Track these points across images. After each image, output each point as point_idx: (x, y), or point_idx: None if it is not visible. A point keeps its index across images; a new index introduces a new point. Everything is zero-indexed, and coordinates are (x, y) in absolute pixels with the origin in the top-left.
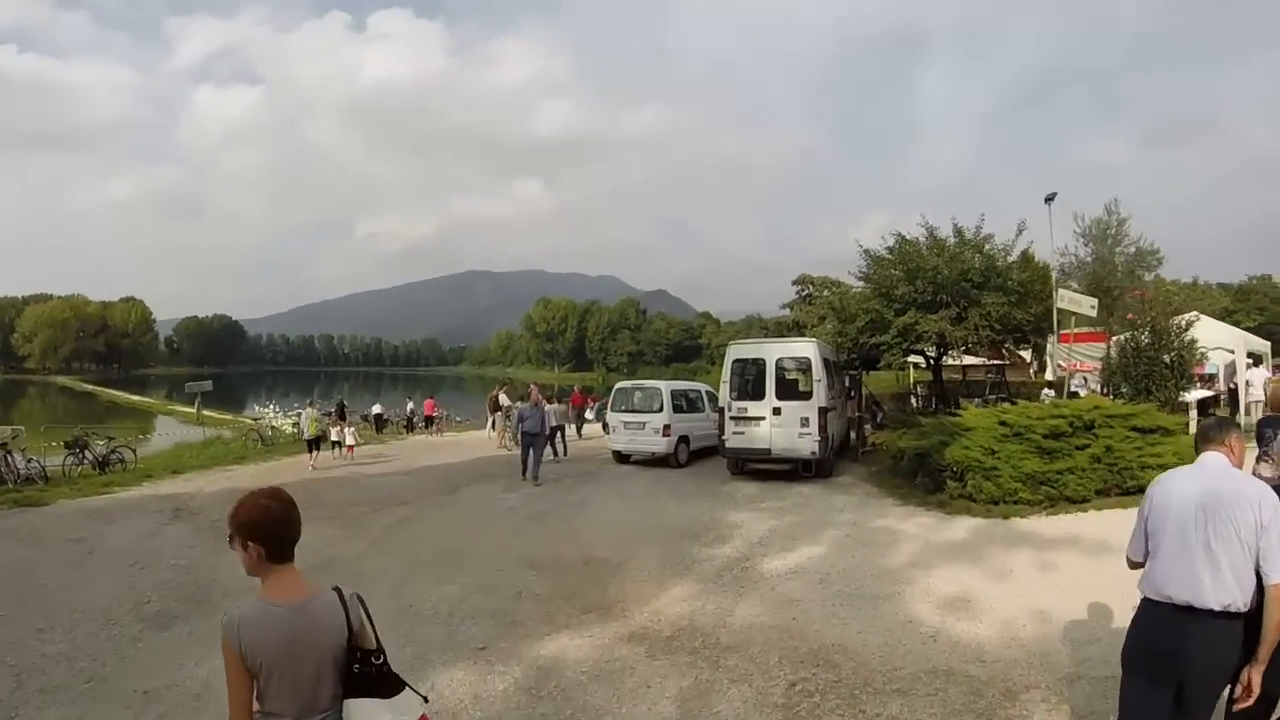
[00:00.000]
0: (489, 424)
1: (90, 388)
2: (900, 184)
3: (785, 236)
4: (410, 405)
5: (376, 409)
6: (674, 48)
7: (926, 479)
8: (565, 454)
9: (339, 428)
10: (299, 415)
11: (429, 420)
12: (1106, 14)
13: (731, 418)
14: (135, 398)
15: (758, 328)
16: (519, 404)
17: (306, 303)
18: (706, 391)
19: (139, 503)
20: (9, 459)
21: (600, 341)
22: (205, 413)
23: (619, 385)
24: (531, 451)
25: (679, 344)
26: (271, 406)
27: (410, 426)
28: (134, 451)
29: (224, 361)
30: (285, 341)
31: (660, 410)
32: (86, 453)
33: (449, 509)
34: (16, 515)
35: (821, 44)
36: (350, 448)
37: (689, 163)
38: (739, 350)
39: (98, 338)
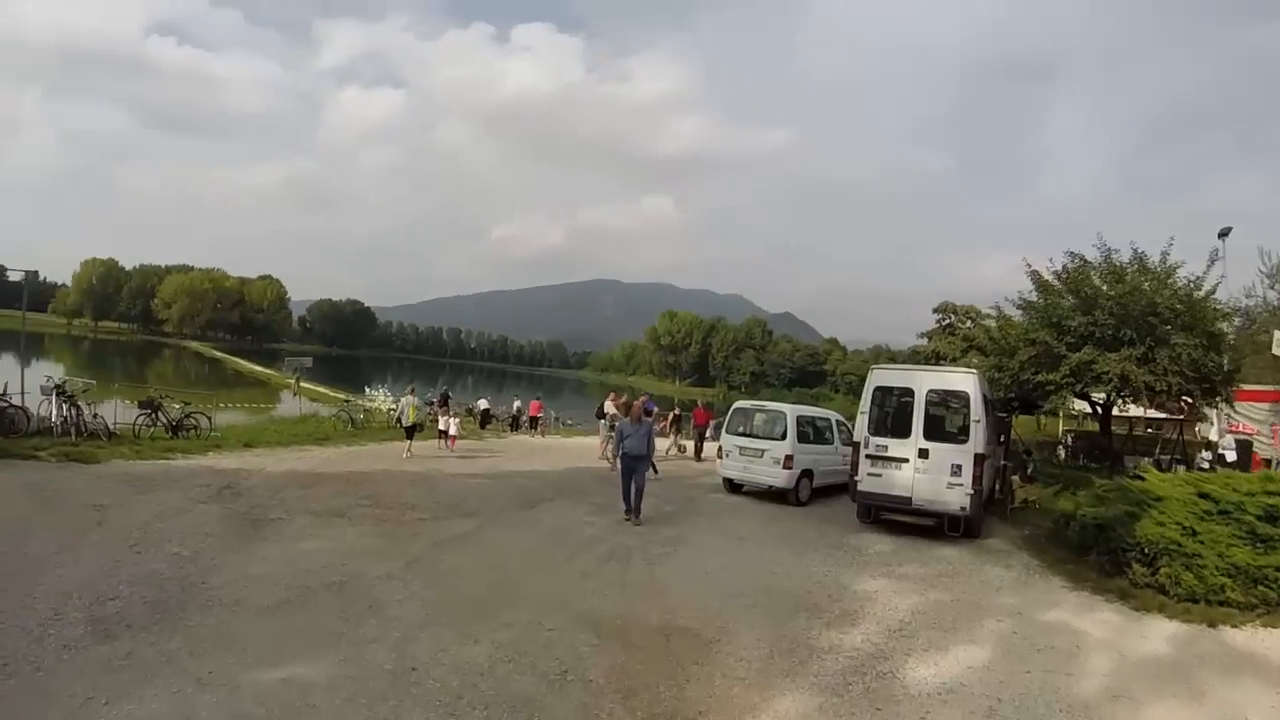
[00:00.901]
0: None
1: (219, 355)
2: (1026, 217)
3: (908, 266)
4: (517, 404)
5: (483, 404)
6: (802, 69)
7: (1104, 558)
8: (657, 473)
9: (445, 417)
10: (401, 401)
11: (533, 421)
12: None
13: (868, 455)
14: (258, 368)
15: (885, 358)
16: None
17: (439, 296)
18: (837, 421)
19: (189, 474)
20: (75, 411)
21: (724, 359)
22: (314, 388)
23: (738, 405)
24: (634, 482)
25: (803, 368)
26: (382, 390)
27: (515, 425)
28: (209, 419)
29: (353, 344)
30: (415, 331)
31: (783, 438)
32: (159, 414)
33: (518, 529)
34: (56, 470)
35: (949, 71)
36: (452, 439)
37: (815, 184)
38: (884, 376)
39: (233, 310)
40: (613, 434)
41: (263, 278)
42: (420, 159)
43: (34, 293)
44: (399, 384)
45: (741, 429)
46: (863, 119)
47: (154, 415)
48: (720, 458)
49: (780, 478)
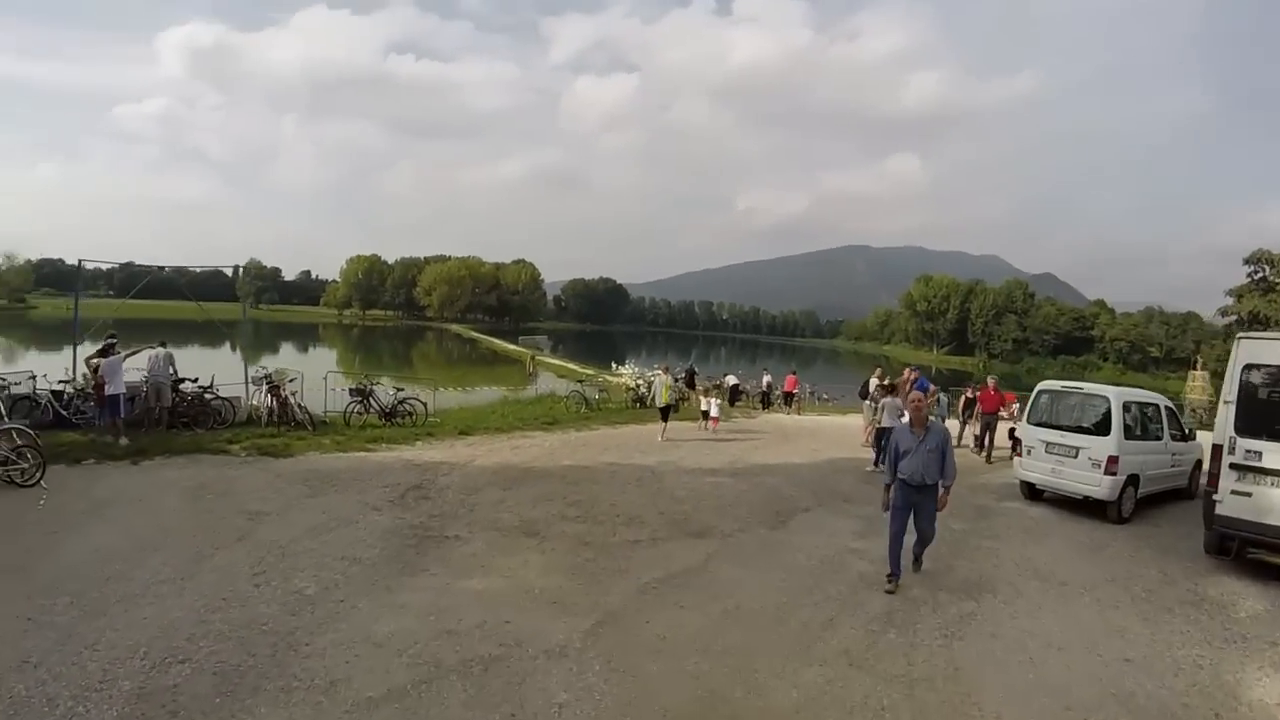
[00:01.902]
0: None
1: (477, 335)
2: None
3: (1170, 217)
4: (767, 378)
5: (731, 380)
6: (1042, 7)
7: None
8: None
9: (706, 397)
10: (652, 380)
11: (788, 397)
12: None
13: (1233, 465)
14: (512, 346)
15: (1158, 321)
16: (885, 399)
17: (688, 270)
18: (1166, 408)
19: (380, 470)
20: (279, 401)
21: (983, 325)
22: (563, 364)
23: (1044, 385)
24: (918, 528)
25: (1068, 334)
26: (629, 366)
27: (766, 402)
28: (424, 404)
29: (607, 321)
30: (666, 305)
31: (1105, 432)
32: (370, 401)
33: (760, 563)
34: (240, 466)
35: None
36: (714, 420)
37: (1064, 134)
38: (1262, 350)
39: (490, 294)
40: (878, 419)
41: (516, 262)
42: (659, 138)
43: (308, 288)
44: (653, 358)
45: (1047, 418)
46: (1111, 55)
47: (365, 402)
48: (1015, 453)
49: (1101, 486)
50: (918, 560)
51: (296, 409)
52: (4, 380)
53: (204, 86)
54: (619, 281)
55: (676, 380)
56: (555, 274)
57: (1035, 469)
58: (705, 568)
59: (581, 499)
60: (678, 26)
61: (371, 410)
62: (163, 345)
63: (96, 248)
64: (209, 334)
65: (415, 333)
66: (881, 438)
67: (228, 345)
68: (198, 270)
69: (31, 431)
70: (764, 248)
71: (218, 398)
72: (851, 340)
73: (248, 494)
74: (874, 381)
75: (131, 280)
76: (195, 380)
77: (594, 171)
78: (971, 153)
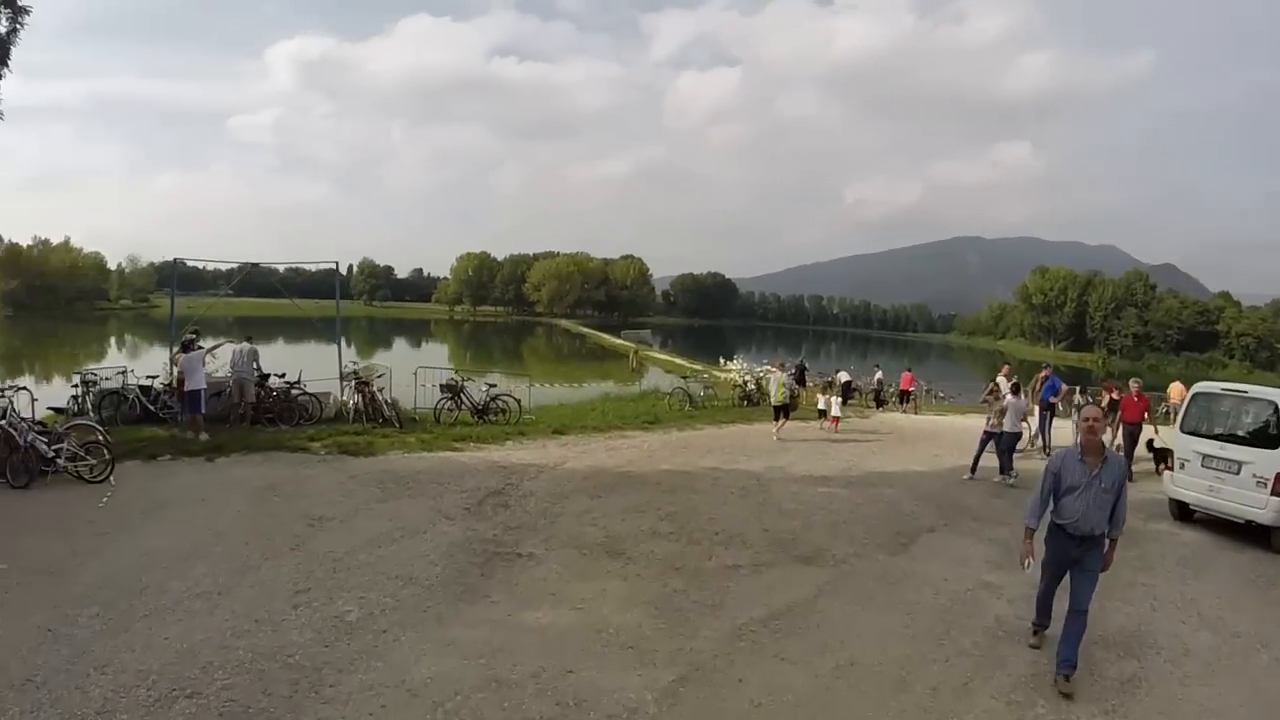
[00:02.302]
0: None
1: (584, 330)
2: None
3: None
4: (880, 375)
5: (844, 376)
6: None
7: None
8: (1014, 476)
9: (826, 396)
10: (762, 375)
11: (904, 395)
12: None
13: None
14: (618, 341)
15: None
16: (1010, 399)
17: (798, 264)
18: None
19: (462, 472)
20: (366, 398)
21: (1102, 319)
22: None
23: (1200, 388)
24: (1075, 588)
25: (1192, 329)
26: (737, 361)
27: (879, 401)
28: (518, 401)
29: (716, 315)
30: (776, 299)
31: (1275, 445)
32: (462, 397)
33: (879, 600)
34: (316, 465)
35: None
36: (835, 419)
37: (1190, 113)
38: None
39: (599, 289)
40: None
41: (625, 257)
42: (765, 131)
43: (420, 285)
44: (762, 353)
45: (1204, 426)
46: (1232, 27)
47: (456, 399)
48: (1164, 467)
49: (1267, 509)
50: (1066, 665)
51: (384, 406)
52: (95, 375)
53: (315, 96)
54: (727, 276)
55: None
56: (663, 269)
57: (1189, 486)
58: (814, 605)
59: (677, 511)
60: (778, 17)
61: (463, 407)
62: (248, 340)
63: (215, 250)
64: (324, 330)
65: (524, 328)
66: (993, 442)
67: (342, 340)
68: (313, 269)
69: (100, 427)
70: (873, 240)
71: (305, 393)
72: (965, 335)
73: (316, 496)
74: (1003, 381)
75: (250, 280)
76: (283, 375)
77: (700, 167)
78: (1086, 137)
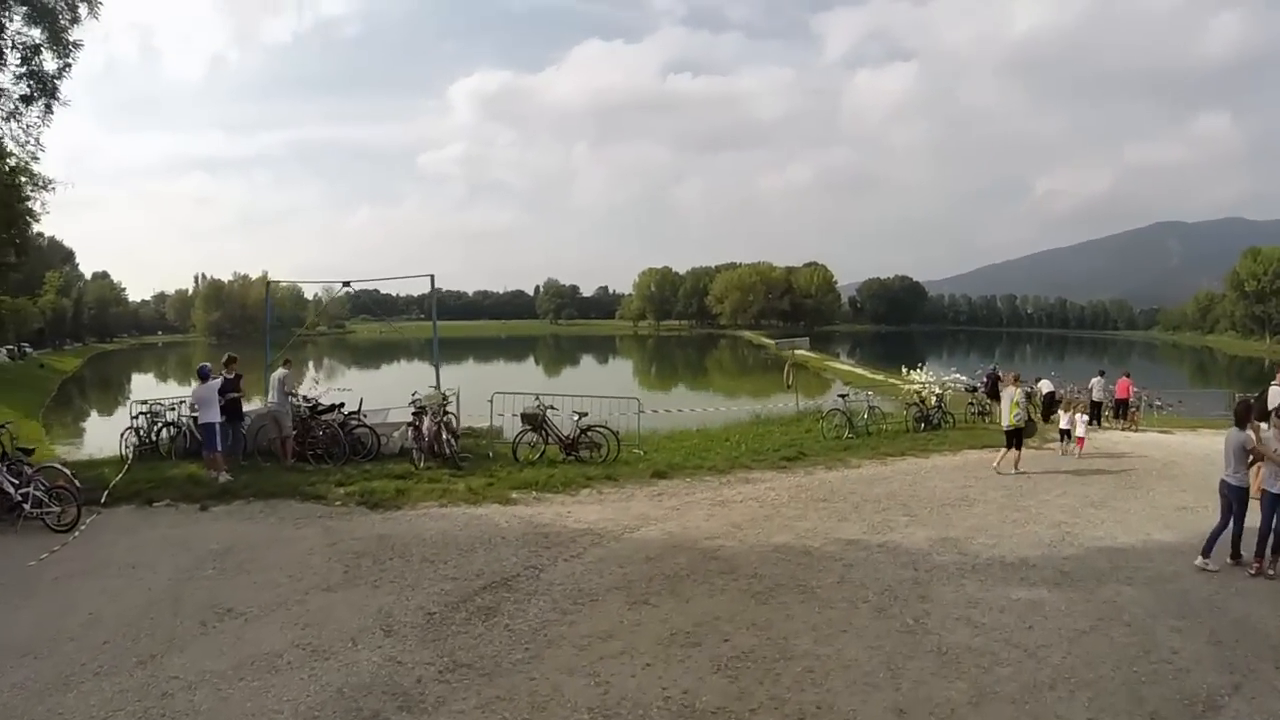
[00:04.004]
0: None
1: (765, 341)
2: None
3: None
4: (1096, 381)
5: (1045, 386)
6: None
7: None
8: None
9: (1069, 413)
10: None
11: (1120, 407)
12: None
13: None
14: (800, 352)
15: None
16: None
17: (987, 264)
18: None
19: (488, 540)
20: (433, 432)
21: None
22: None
23: None
24: None
25: None
26: (922, 370)
27: (1096, 415)
28: (615, 434)
29: (905, 320)
30: (966, 302)
31: None
32: (546, 429)
33: None
34: (313, 520)
35: None
36: (1080, 440)
37: None
38: None
39: (783, 298)
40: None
41: (808, 265)
42: (948, 125)
43: (604, 303)
44: (954, 359)
45: None
46: None
47: (540, 430)
48: None
49: None
50: None
51: (446, 442)
52: (160, 405)
53: (497, 127)
54: (916, 279)
55: (973, 389)
56: (848, 275)
57: None
58: None
59: (754, 648)
60: (951, 4)
61: (550, 440)
62: (285, 365)
63: (410, 279)
64: (513, 350)
65: (708, 341)
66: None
67: (531, 360)
68: (501, 292)
69: (68, 470)
70: (1065, 233)
71: (361, 425)
72: (1169, 331)
73: (259, 574)
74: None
75: (440, 305)
76: (341, 405)
77: (881, 168)
78: None
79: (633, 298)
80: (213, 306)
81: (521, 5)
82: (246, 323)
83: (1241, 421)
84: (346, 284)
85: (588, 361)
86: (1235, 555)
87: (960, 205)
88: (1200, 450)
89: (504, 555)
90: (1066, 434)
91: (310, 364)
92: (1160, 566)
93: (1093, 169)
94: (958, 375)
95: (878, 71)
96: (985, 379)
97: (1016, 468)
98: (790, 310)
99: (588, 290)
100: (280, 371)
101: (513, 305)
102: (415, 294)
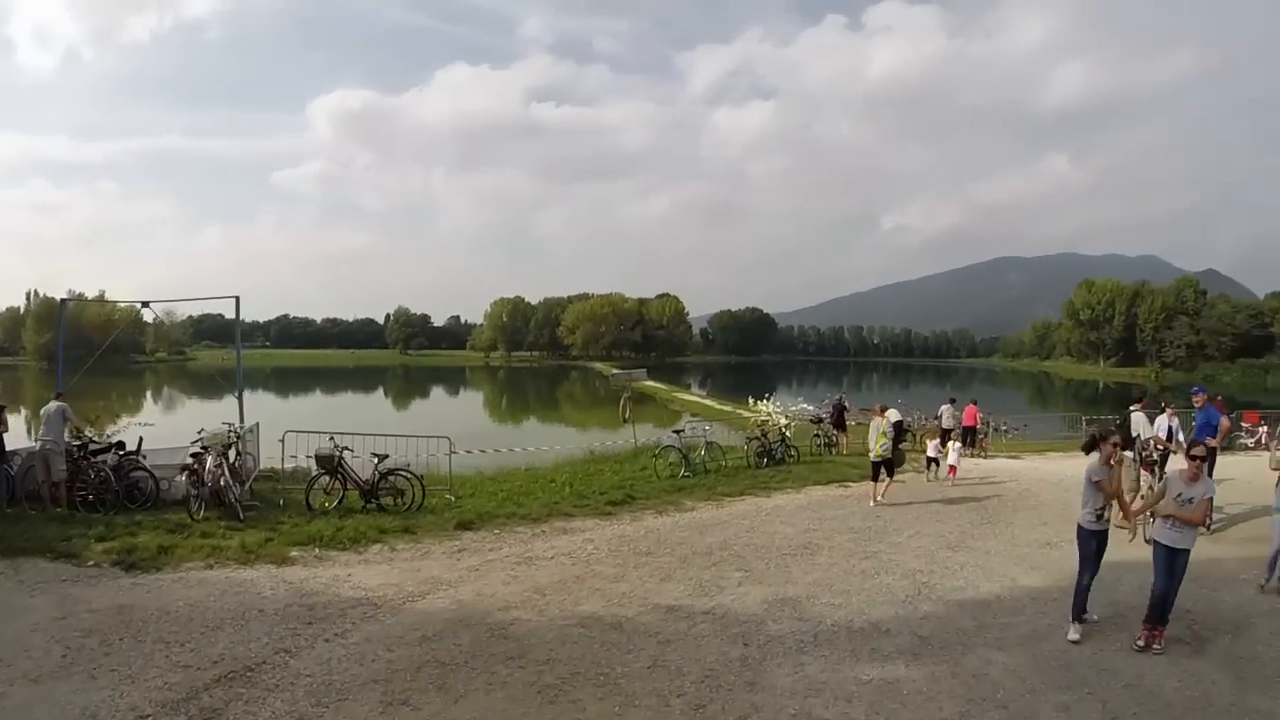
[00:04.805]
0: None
1: (616, 372)
2: None
3: None
4: (945, 409)
5: (893, 414)
6: None
7: None
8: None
9: (935, 440)
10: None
11: (968, 434)
12: None
13: None
14: (648, 383)
15: None
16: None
17: (837, 295)
18: None
19: (243, 611)
20: (212, 476)
21: (1153, 330)
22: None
23: None
24: None
25: (1246, 333)
26: (769, 402)
27: (971, 441)
28: (418, 479)
29: (756, 351)
30: (815, 333)
31: None
32: (342, 472)
33: None
34: (51, 587)
35: None
36: (952, 469)
37: (1233, 113)
38: None
39: (634, 329)
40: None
41: (660, 296)
42: (803, 161)
43: (456, 332)
44: (804, 389)
45: None
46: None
47: (336, 475)
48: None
49: None
50: None
51: (227, 487)
52: None
53: (356, 148)
54: (768, 311)
55: (818, 420)
56: (705, 306)
57: None
58: None
59: None
60: (811, 46)
61: (348, 485)
62: (57, 398)
63: (262, 302)
64: (361, 381)
65: (560, 372)
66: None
67: (380, 391)
68: (351, 320)
69: None
70: (913, 266)
71: (139, 467)
72: (1009, 358)
73: None
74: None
75: (286, 332)
76: (119, 445)
77: (740, 200)
78: (1125, 146)
79: (484, 328)
80: (45, 327)
81: (389, 23)
82: (82, 345)
83: (1089, 448)
84: (145, 304)
85: (437, 394)
86: (1076, 612)
87: (814, 238)
88: (1053, 476)
89: (255, 634)
90: (934, 461)
91: (149, 393)
92: (1032, 620)
93: (940, 205)
94: (804, 405)
95: (739, 108)
96: (832, 409)
97: (879, 498)
98: (642, 341)
99: (439, 319)
100: (54, 404)
101: (362, 333)
102: (261, 320)
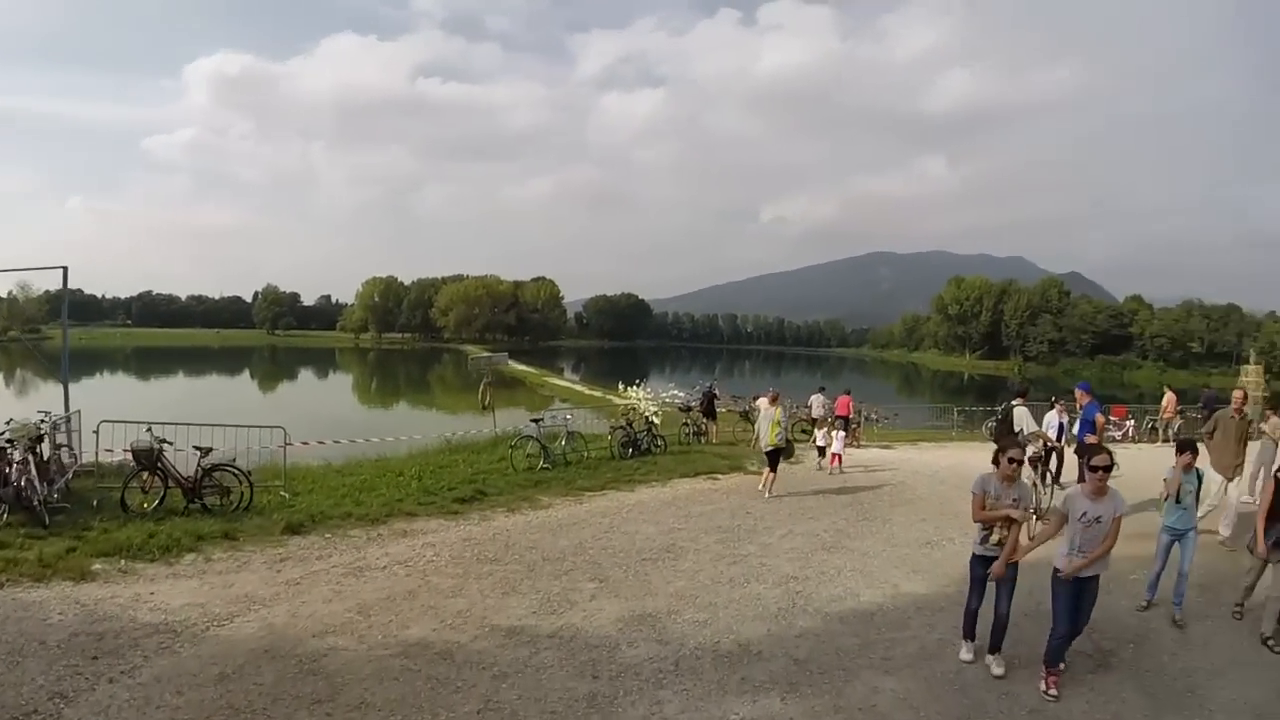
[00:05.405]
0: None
1: (477, 356)
2: None
3: (1213, 209)
4: (817, 399)
5: (763, 402)
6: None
7: None
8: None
9: (824, 429)
10: (758, 411)
11: (843, 424)
12: None
13: None
14: (520, 367)
15: (1198, 315)
16: None
17: (714, 284)
18: None
19: (42, 634)
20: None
21: (1018, 326)
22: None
23: None
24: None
25: (1105, 332)
26: (639, 386)
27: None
28: (245, 475)
29: (630, 337)
30: (690, 319)
31: None
32: (162, 467)
33: None
34: None
35: None
36: (835, 457)
37: (1100, 128)
38: None
39: (509, 312)
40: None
41: (536, 279)
42: (689, 151)
43: (327, 312)
44: (677, 375)
45: None
46: (1157, 43)
47: (158, 471)
48: None
49: None
50: None
51: (33, 487)
52: None
53: (233, 115)
54: (645, 297)
55: (686, 408)
56: (586, 290)
57: None
58: None
59: None
60: (705, 38)
61: (169, 484)
62: None
63: (128, 277)
64: (227, 362)
65: (432, 355)
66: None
67: (247, 374)
68: (218, 298)
69: None
70: (791, 257)
71: None
72: (878, 348)
73: None
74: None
75: (149, 310)
76: None
77: (625, 186)
78: (1001, 152)
79: (355, 308)
80: None
81: None
82: None
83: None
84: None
85: (305, 376)
86: (966, 633)
87: (697, 226)
88: (927, 467)
89: (30, 674)
90: (823, 450)
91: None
92: (920, 636)
93: (821, 199)
94: (676, 392)
95: (628, 94)
96: (702, 397)
97: (770, 490)
98: (516, 325)
99: (310, 299)
100: None
101: (229, 312)
102: (123, 296)
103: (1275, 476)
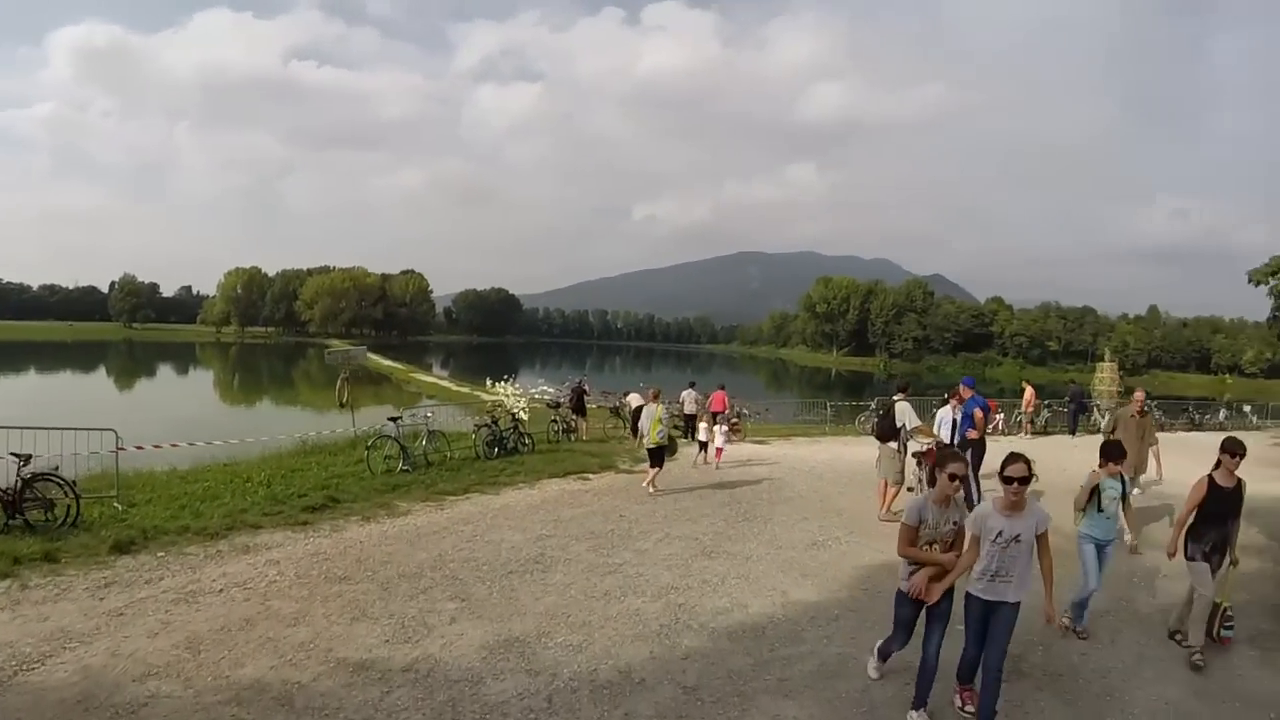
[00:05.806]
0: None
1: (334, 350)
2: (1195, 160)
3: (1068, 222)
4: (688, 394)
5: (635, 400)
6: (952, 22)
7: None
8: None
9: (705, 424)
10: (639, 409)
11: (722, 418)
12: None
13: None
14: (386, 363)
15: (1055, 315)
16: None
17: (585, 280)
18: None
19: None
20: None
21: (884, 325)
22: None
23: None
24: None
25: (968, 331)
26: (507, 382)
27: (691, 430)
28: (70, 485)
29: (499, 332)
30: (561, 315)
31: None
32: None
33: None
34: None
35: (1108, 7)
36: (719, 451)
37: (969, 145)
38: None
39: (376, 306)
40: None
41: (404, 273)
42: (563, 148)
43: (187, 304)
44: (547, 370)
45: None
46: (1022, 71)
47: None
48: None
49: None
50: None
51: None
52: None
53: (96, 90)
54: (516, 292)
55: (555, 404)
56: (456, 285)
57: None
58: None
59: None
60: (586, 36)
61: None
62: None
63: None
64: (79, 358)
65: (296, 350)
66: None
67: (103, 370)
68: (72, 288)
69: None
70: (663, 256)
71: None
72: (747, 345)
73: None
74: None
75: (1, 300)
76: None
77: (497, 181)
78: (871, 162)
79: (216, 300)
80: None
81: None
82: None
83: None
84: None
85: (164, 372)
86: (881, 656)
87: (570, 223)
88: (804, 463)
89: None
90: (704, 445)
91: None
92: (817, 650)
93: (694, 200)
94: (545, 387)
95: (504, 87)
96: (571, 393)
97: (654, 486)
98: (384, 319)
99: (170, 290)
100: None
101: (84, 303)
102: None
103: (1209, 476)
